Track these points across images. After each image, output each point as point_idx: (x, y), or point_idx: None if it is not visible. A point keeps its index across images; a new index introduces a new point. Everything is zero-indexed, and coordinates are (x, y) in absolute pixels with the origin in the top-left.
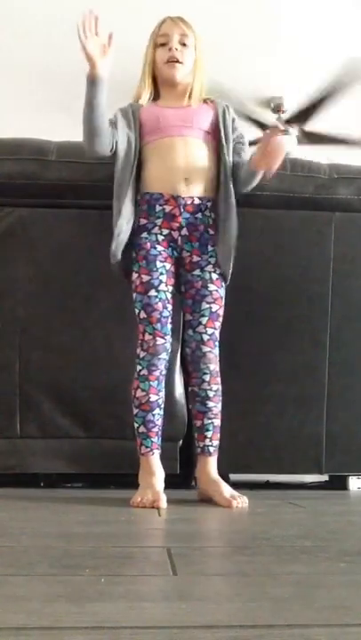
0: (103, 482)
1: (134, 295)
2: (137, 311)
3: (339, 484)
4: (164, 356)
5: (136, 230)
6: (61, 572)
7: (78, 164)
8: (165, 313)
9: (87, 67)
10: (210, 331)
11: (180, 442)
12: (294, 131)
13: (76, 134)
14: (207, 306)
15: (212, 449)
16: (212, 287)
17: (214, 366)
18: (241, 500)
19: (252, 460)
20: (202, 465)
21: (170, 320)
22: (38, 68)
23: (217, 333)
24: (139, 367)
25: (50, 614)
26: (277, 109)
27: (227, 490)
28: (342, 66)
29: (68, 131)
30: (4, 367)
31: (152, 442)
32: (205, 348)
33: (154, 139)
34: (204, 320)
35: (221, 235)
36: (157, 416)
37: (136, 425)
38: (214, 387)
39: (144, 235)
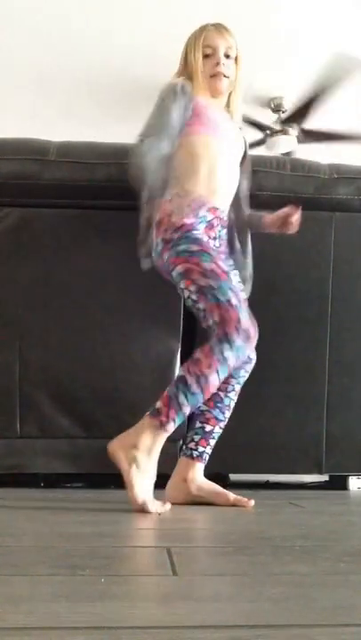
0: (103, 482)
1: (214, 282)
2: (224, 298)
3: (339, 484)
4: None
5: (187, 225)
6: (61, 572)
7: (78, 164)
8: None
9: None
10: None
11: (181, 442)
12: (294, 131)
13: (76, 134)
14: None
15: (207, 457)
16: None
17: (247, 375)
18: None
19: (252, 459)
20: (197, 470)
21: None
22: (39, 68)
23: None
24: (228, 353)
25: (50, 614)
26: (277, 109)
27: (229, 492)
28: (330, 62)
29: (68, 131)
30: (4, 367)
31: (178, 426)
32: (253, 355)
33: (210, 132)
34: None
35: (244, 259)
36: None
37: (184, 401)
38: (236, 398)
39: (196, 231)
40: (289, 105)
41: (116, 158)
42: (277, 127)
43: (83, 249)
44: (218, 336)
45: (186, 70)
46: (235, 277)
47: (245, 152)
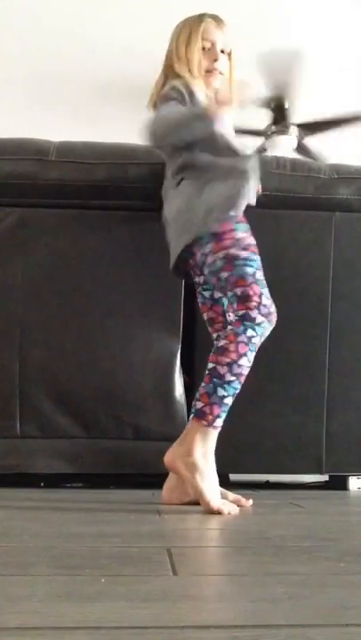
0: (103, 482)
1: (244, 254)
2: (250, 270)
3: (339, 483)
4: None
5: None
6: (61, 572)
7: (78, 163)
8: None
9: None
10: None
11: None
12: (294, 129)
13: (76, 134)
14: None
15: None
16: None
17: None
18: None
19: (252, 460)
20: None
21: None
22: (38, 68)
23: None
24: (251, 332)
25: (50, 614)
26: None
27: (229, 494)
28: None
29: (68, 131)
30: (4, 367)
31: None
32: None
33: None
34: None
35: None
36: None
37: (224, 393)
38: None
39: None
40: (289, 105)
41: (116, 158)
42: (277, 128)
43: (83, 249)
44: (238, 316)
45: (179, 63)
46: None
47: None
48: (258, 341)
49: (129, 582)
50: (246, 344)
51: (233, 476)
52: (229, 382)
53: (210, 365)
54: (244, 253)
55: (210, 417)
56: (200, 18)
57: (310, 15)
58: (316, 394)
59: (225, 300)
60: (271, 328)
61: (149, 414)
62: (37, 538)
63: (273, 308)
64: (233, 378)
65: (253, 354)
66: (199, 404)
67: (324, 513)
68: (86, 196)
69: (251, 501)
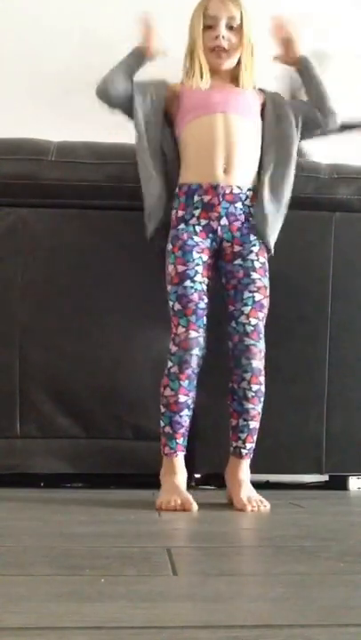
0: (103, 482)
1: (168, 287)
2: (171, 303)
3: (339, 483)
4: (197, 351)
5: (174, 222)
6: (61, 572)
7: (78, 163)
8: (201, 305)
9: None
10: (253, 321)
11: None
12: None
13: (75, 134)
14: (250, 294)
15: (244, 451)
16: (255, 275)
17: (257, 363)
18: (257, 505)
19: (253, 459)
20: (231, 465)
21: (205, 313)
22: (38, 68)
23: (261, 325)
24: (169, 364)
25: (50, 614)
26: None
27: (245, 492)
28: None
29: (68, 131)
30: (4, 367)
31: (177, 443)
32: (249, 341)
33: (192, 117)
34: (247, 309)
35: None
36: (185, 417)
37: (162, 424)
38: (254, 387)
39: (181, 226)
40: None
41: (116, 158)
42: None
43: (83, 249)
44: None
45: (187, 46)
46: (201, 273)
47: (269, 104)
48: (178, 370)
49: (129, 582)
50: (167, 375)
51: None
52: (163, 414)
53: None
54: (168, 287)
55: (161, 447)
56: None
57: (310, 15)
58: (316, 394)
59: None
60: (195, 353)
61: (149, 414)
62: (37, 538)
63: (188, 335)
64: (164, 409)
65: (181, 382)
66: None
67: (324, 513)
68: (86, 196)
69: (261, 508)
